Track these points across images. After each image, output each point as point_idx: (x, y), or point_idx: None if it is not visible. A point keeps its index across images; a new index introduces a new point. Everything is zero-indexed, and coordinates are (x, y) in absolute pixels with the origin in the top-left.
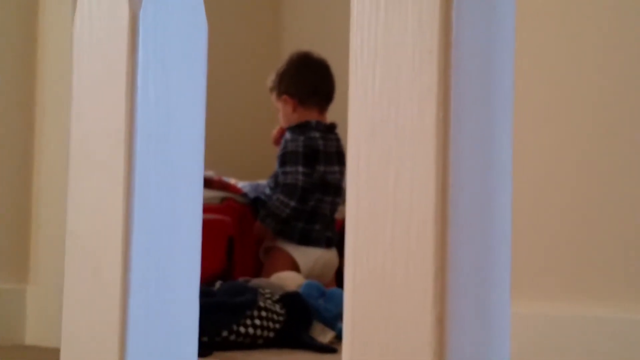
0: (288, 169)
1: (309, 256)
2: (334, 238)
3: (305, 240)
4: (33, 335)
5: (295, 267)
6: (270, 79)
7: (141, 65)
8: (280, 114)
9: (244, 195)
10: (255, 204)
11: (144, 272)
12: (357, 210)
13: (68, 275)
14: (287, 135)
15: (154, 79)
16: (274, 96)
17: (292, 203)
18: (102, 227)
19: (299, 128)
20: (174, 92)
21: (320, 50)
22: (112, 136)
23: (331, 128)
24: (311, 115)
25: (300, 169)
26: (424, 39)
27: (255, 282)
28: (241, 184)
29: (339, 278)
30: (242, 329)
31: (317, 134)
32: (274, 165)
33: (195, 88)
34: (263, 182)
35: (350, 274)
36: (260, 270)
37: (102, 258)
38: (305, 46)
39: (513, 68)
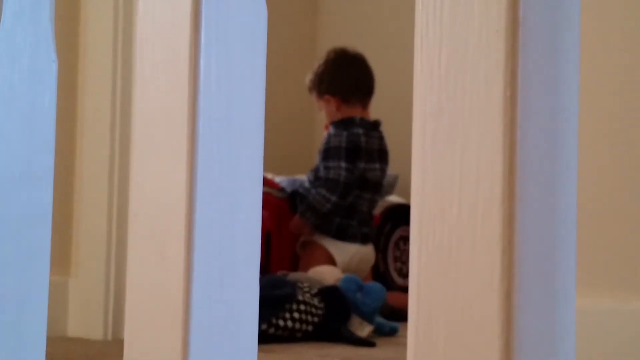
0: (331, 163)
1: (345, 251)
2: (371, 234)
3: (342, 235)
4: (75, 327)
5: (331, 261)
6: (309, 78)
7: (204, 48)
8: (323, 112)
9: (282, 189)
10: (292, 198)
11: (207, 252)
12: (422, 188)
13: (131, 256)
14: (331, 130)
15: (217, 61)
16: (314, 96)
17: (334, 198)
18: (166, 208)
19: (343, 123)
20: (235, 74)
21: (356, 44)
22: (175, 118)
23: (375, 125)
24: (355, 112)
25: (343, 164)
26: (491, 17)
27: (294, 276)
28: (278, 179)
29: (375, 273)
30: (281, 322)
31: (360, 131)
32: (310, 160)
33: (256, 71)
34: (300, 177)
35: (415, 251)
36: (296, 264)
37: (166, 239)
38: (341, 41)
39: (579, 47)
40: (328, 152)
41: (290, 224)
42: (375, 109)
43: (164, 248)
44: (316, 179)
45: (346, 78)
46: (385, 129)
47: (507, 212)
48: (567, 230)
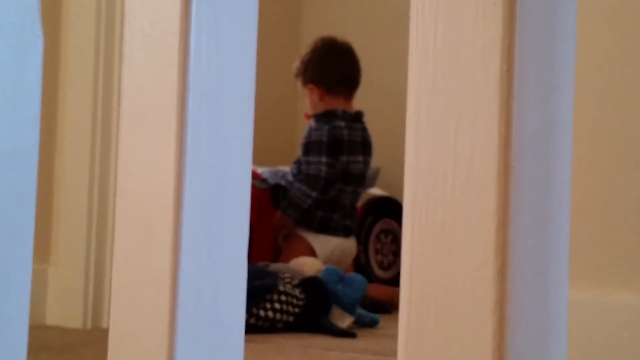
0: (311, 158)
1: (326, 244)
2: (353, 227)
3: (324, 228)
4: (54, 315)
5: (312, 254)
6: (295, 65)
7: (194, 24)
8: (306, 100)
9: (263, 180)
10: (275, 191)
11: (195, 229)
12: (416, 165)
13: (118, 233)
14: (313, 123)
15: (207, 38)
16: (299, 83)
17: (314, 194)
18: (154, 184)
19: (325, 117)
20: (225, 52)
21: (339, 32)
22: (165, 93)
23: (357, 117)
24: (337, 103)
25: (324, 159)
26: None
27: (275, 266)
28: (260, 170)
29: (356, 266)
30: (262, 313)
31: (342, 124)
32: (292, 151)
33: (247, 48)
34: (282, 168)
35: (408, 229)
36: (278, 255)
37: (153, 215)
38: (326, 28)
39: (575, 21)
40: (309, 147)
41: (273, 219)
42: (358, 100)
43: (151, 224)
44: (298, 173)
45: (332, 69)
46: (367, 121)
47: (502, 188)
48: (562, 206)
